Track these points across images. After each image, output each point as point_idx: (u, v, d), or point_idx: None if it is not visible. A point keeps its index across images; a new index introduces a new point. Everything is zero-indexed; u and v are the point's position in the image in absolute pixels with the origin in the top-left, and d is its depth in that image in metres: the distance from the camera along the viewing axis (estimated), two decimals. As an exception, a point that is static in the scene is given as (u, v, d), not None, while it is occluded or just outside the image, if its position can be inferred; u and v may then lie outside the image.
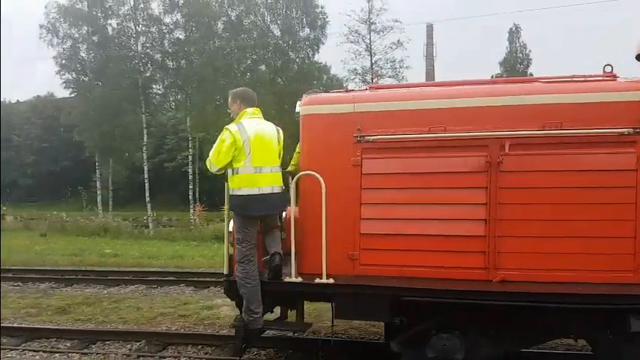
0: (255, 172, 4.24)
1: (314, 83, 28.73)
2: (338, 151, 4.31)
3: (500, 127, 3.99)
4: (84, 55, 29.59)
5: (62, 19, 28.74)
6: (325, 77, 34.10)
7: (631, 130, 3.79)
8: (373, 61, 30.92)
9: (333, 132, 4.34)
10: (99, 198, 29.00)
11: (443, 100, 4.20)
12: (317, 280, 4.20)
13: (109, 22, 29.65)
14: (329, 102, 4.48)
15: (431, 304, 3.95)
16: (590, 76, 4.20)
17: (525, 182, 3.97)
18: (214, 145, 4.27)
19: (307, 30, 31.11)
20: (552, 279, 3.86)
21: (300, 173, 4.34)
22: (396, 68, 30.96)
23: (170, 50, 29.60)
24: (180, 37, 29.87)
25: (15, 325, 6.47)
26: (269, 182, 4.28)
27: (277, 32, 30.78)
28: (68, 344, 5.86)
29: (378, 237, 4.21)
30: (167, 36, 29.78)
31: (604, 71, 4.14)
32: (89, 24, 28.87)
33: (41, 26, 28.68)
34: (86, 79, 29.62)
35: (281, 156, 4.52)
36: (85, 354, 5.50)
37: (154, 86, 30.93)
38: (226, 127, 4.28)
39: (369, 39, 30.75)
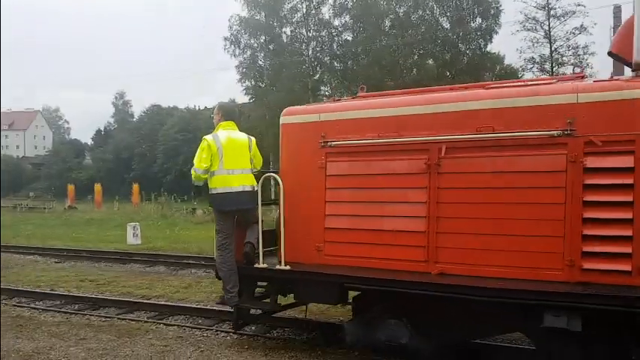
0: (228, 173, 5.10)
1: (486, 75, 28.38)
2: (308, 155, 4.96)
3: (439, 133, 4.34)
4: (261, 62, 32.36)
5: (243, 31, 31.47)
6: (498, 68, 32.05)
7: (561, 132, 3.90)
8: (553, 49, 28.86)
9: (304, 139, 5.02)
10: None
11: (390, 108, 4.66)
12: (277, 267, 4.91)
13: (284, 30, 32.21)
14: (301, 112, 5.18)
15: (379, 292, 4.46)
16: (555, 78, 4.41)
17: (461, 183, 4.28)
18: (196, 154, 5.12)
19: (479, 20, 30.70)
20: (487, 274, 4.11)
21: (265, 175, 5.18)
22: (579, 55, 28.67)
23: (338, 52, 31.16)
24: (348, 38, 31.45)
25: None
26: (240, 182, 5.12)
27: (446, 25, 30.78)
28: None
29: (339, 231, 4.78)
30: (336, 38, 31.59)
31: (573, 72, 4.32)
32: (266, 33, 31.57)
33: (225, 38, 31.65)
34: (262, 85, 32.09)
35: (253, 161, 5.34)
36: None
37: (322, 88, 32.31)
38: (204, 137, 5.16)
39: (548, 25, 28.82)
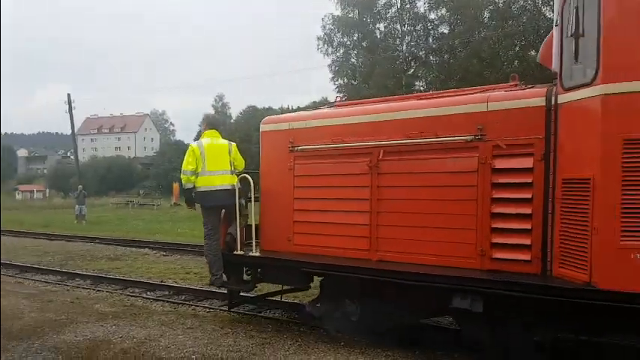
0: (210, 174, 5.97)
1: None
2: (280, 159, 5.84)
3: (378, 139, 5.06)
4: (354, 60, 32.57)
5: (336, 30, 31.91)
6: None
7: (473, 137, 4.49)
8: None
9: (277, 144, 5.89)
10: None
11: (341, 118, 5.47)
12: (250, 254, 5.83)
13: (377, 26, 32.06)
14: (276, 121, 6.10)
15: (335, 276, 5.27)
16: (492, 87, 5.02)
17: (395, 182, 4.99)
18: (184, 159, 6.03)
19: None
20: (416, 261, 4.78)
21: (240, 175, 5.97)
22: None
23: (434, 46, 30.49)
24: (444, 31, 30.70)
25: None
26: (220, 181, 5.98)
27: (549, 14, 30.44)
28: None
29: (305, 224, 5.62)
30: (431, 32, 30.93)
31: (510, 80, 4.89)
32: (359, 30, 31.63)
33: (318, 38, 32.25)
34: (355, 83, 32.21)
35: (234, 163, 6.12)
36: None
37: (417, 83, 31.82)
38: (190, 144, 6.16)
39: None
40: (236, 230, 6.00)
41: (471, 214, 4.54)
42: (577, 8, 3.89)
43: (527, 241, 4.30)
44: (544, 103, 4.29)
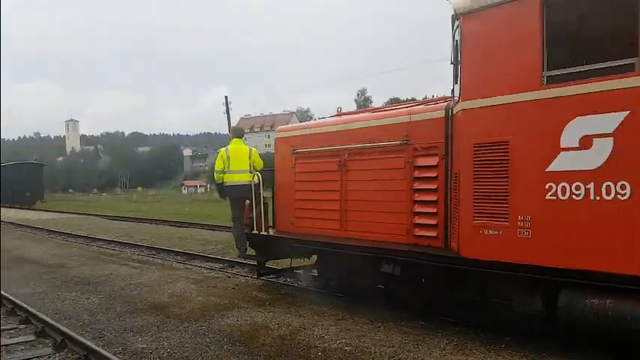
0: (233, 173, 7.92)
1: None
2: (287, 159, 7.64)
3: (345, 143, 6.71)
4: None
5: None
6: None
7: (401, 142, 5.96)
8: None
9: (285, 148, 7.72)
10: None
11: (323, 127, 7.29)
12: (262, 233, 7.80)
13: None
14: (284, 130, 8.11)
15: (320, 250, 7.08)
16: (429, 101, 6.51)
17: (355, 177, 6.59)
18: (216, 161, 8.12)
19: None
20: (370, 237, 6.33)
21: (256, 172, 7.94)
22: None
23: None
24: None
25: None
26: (240, 178, 7.92)
27: None
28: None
29: (302, 210, 7.37)
30: None
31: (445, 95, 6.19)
32: None
33: None
34: None
35: (254, 165, 7.98)
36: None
37: None
38: (219, 150, 8.19)
39: None
40: (254, 214, 7.93)
41: (402, 201, 6.01)
42: (456, 42, 5.21)
43: (434, 222, 5.71)
44: (444, 115, 5.64)
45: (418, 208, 5.84)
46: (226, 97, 41.43)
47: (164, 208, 33.50)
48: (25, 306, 7.02)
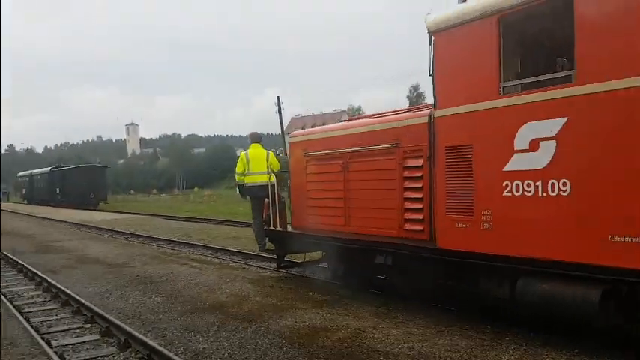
0: (252, 174, 9.27)
1: None
2: (300, 161, 8.49)
3: (347, 147, 7.48)
4: None
5: None
6: None
7: (392, 145, 6.71)
8: None
9: (298, 151, 8.58)
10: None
11: (328, 132, 8.20)
12: (277, 229, 8.84)
13: None
14: (297, 135, 8.94)
15: (327, 244, 8.03)
16: (414, 108, 7.38)
17: (356, 177, 7.32)
18: (237, 164, 9.43)
19: None
20: (370, 232, 7.07)
21: (273, 173, 9.10)
22: None
23: None
24: None
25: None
26: (258, 180, 9.24)
27: None
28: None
29: (313, 208, 8.22)
30: None
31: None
32: None
33: None
34: None
35: (271, 167, 9.19)
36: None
37: None
38: (240, 154, 9.43)
39: None
40: (271, 212, 8.99)
41: (394, 198, 6.71)
42: (432, 56, 5.98)
43: (421, 217, 6.39)
44: (427, 121, 6.25)
45: (407, 205, 6.58)
46: (278, 97, 41.65)
47: (219, 208, 34.23)
48: (91, 305, 7.27)
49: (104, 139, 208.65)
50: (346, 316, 6.52)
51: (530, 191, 5.00)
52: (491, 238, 5.29)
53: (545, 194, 4.87)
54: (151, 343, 5.48)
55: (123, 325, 6.23)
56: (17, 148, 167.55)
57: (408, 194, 6.49)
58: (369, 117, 7.83)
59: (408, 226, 6.49)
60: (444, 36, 5.80)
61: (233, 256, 12.39)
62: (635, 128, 4.30)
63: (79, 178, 44.62)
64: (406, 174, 6.54)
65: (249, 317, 6.65)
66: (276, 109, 41.45)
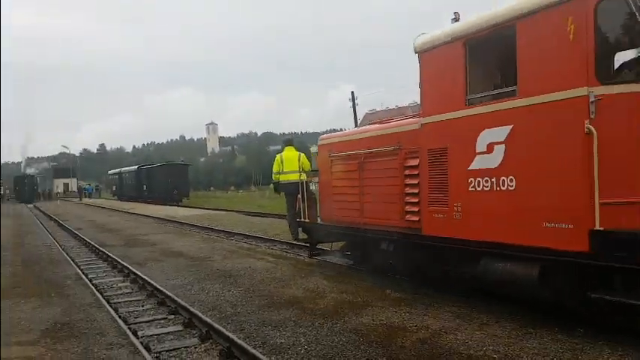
0: (286, 173, 10.73)
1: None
2: (326, 162, 9.79)
3: (362, 148, 8.65)
4: None
5: None
6: None
7: (396, 147, 7.81)
8: None
9: (324, 153, 9.87)
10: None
11: (347, 136, 9.72)
12: (305, 220, 10.16)
13: None
14: (324, 139, 10.14)
15: (345, 234, 9.44)
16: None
17: (368, 175, 8.50)
18: (274, 165, 11.00)
19: None
20: (377, 223, 8.26)
21: (304, 172, 10.82)
22: None
23: None
24: None
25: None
26: (292, 178, 10.60)
27: None
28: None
29: (338, 202, 9.39)
30: None
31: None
32: None
33: None
34: None
35: (302, 166, 10.74)
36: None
37: None
38: (277, 155, 11.12)
39: None
40: (300, 206, 10.33)
41: (397, 193, 7.73)
42: (419, 71, 7.10)
43: (417, 209, 7.33)
44: (419, 126, 7.19)
45: (407, 199, 7.55)
46: (352, 92, 41.69)
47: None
48: (174, 297, 7.49)
49: (186, 138, 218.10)
50: (426, 316, 6.31)
51: (487, 186, 6.03)
52: (461, 225, 6.40)
53: (498, 189, 5.91)
54: (232, 336, 5.56)
55: (204, 317, 6.38)
56: (108, 148, 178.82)
57: (408, 189, 7.53)
58: (380, 122, 8.99)
59: (407, 217, 7.51)
60: (427, 56, 6.95)
61: (308, 252, 12.44)
62: (562, 133, 5.22)
63: (164, 175, 46.82)
64: (406, 172, 7.57)
65: (325, 313, 6.61)
66: (351, 104, 41.12)
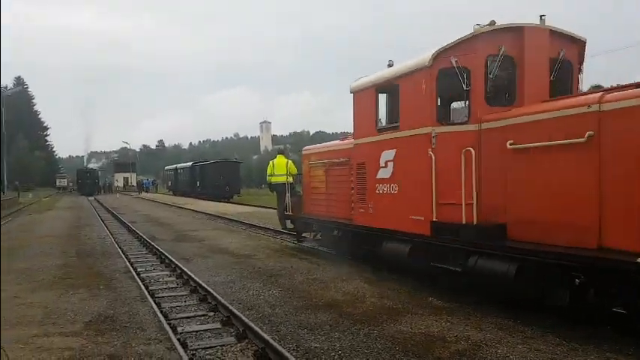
0: (277, 175, 14.11)
1: None
2: (306, 167, 12.80)
3: (327, 159, 11.60)
4: None
5: None
6: None
7: (345, 159, 10.49)
8: None
9: (306, 160, 12.81)
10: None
11: (320, 149, 12.50)
12: (288, 213, 13.23)
13: None
14: (306, 150, 13.15)
15: (318, 225, 12.25)
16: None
17: (331, 179, 11.38)
18: (267, 168, 14.88)
19: None
20: (338, 216, 11.02)
21: (291, 175, 14.10)
22: None
23: None
24: None
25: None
26: (280, 179, 13.90)
27: None
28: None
29: (314, 200, 12.33)
30: None
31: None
32: None
33: None
34: None
35: (289, 172, 13.89)
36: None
37: None
38: (270, 162, 14.70)
39: None
40: (287, 202, 13.10)
41: (346, 194, 10.46)
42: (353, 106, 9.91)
43: (352, 206, 10.12)
44: (352, 146, 10.11)
45: (352, 198, 10.05)
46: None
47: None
48: (215, 294, 7.55)
49: (240, 135, 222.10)
50: (467, 326, 6.08)
51: (385, 190, 8.81)
52: (372, 218, 9.23)
53: (389, 192, 8.69)
54: (266, 337, 5.54)
55: (242, 316, 6.41)
56: (166, 144, 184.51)
57: (351, 191, 10.16)
58: (342, 140, 11.76)
59: (352, 211, 10.02)
60: (356, 95, 9.79)
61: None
62: (419, 156, 7.80)
63: (216, 172, 47.80)
64: (352, 178, 10.03)
65: (362, 319, 6.48)
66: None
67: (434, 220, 7.42)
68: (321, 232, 12.09)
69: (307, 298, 7.62)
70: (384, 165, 8.62)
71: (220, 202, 40.60)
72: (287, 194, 13.04)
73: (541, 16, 7.41)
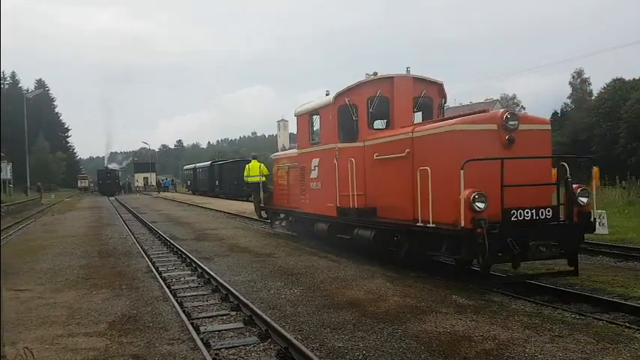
0: (252, 176, 18.24)
1: None
2: (275, 169, 16.45)
3: (288, 162, 15.48)
4: None
5: None
6: None
7: (297, 164, 14.58)
8: None
9: (275, 164, 16.53)
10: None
11: (283, 154, 17.10)
12: (264, 205, 17.24)
13: None
14: (275, 156, 17.48)
15: (284, 214, 16.20)
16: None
17: (291, 178, 15.34)
18: (244, 171, 19.14)
19: None
20: (294, 206, 15.00)
21: (263, 176, 18.22)
22: None
23: None
24: None
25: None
26: (254, 180, 17.90)
27: None
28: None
29: (281, 194, 15.89)
30: None
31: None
32: None
33: None
34: None
35: (262, 173, 17.99)
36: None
37: None
38: (246, 165, 19.16)
39: None
40: (261, 197, 17.00)
41: (299, 189, 14.15)
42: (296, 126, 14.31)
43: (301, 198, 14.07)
44: (297, 154, 14.49)
45: (299, 191, 13.74)
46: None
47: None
48: (237, 293, 7.56)
49: (258, 134, 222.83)
50: (493, 325, 5.96)
51: (315, 186, 12.57)
52: (309, 206, 13.03)
53: (316, 188, 12.46)
54: (289, 337, 5.50)
55: (264, 315, 6.38)
56: (185, 144, 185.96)
57: (300, 188, 13.68)
58: (298, 148, 14.17)
59: (300, 202, 13.59)
60: (298, 118, 13.54)
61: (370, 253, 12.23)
62: (329, 163, 11.46)
63: (234, 171, 47.95)
64: (299, 178, 13.62)
65: (386, 317, 6.41)
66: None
67: (338, 205, 11.14)
68: (285, 219, 15.89)
69: (329, 297, 7.56)
70: (314, 168, 12.47)
71: (239, 200, 40.75)
72: (260, 191, 16.90)
73: (407, 68, 11.31)
